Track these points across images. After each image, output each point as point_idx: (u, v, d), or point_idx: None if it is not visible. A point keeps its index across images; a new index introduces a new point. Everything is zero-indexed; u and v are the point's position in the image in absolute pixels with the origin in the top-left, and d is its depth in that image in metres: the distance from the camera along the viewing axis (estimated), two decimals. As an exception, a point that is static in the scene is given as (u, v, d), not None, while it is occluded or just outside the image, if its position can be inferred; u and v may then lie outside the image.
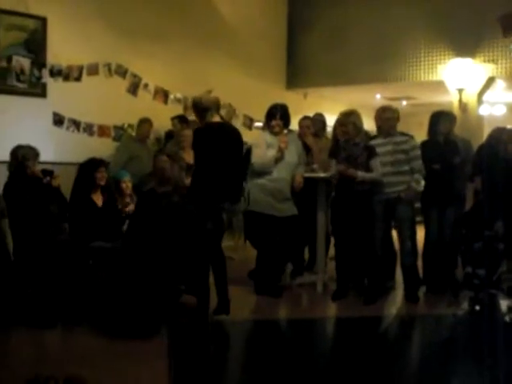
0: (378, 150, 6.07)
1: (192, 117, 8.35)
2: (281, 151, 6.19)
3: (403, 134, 6.49)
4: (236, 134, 5.53)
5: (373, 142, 6.23)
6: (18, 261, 5.29)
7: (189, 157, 6.69)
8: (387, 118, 6.27)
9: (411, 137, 6.50)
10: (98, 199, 5.76)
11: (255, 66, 10.21)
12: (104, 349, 4.65)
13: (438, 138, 6.42)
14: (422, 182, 6.30)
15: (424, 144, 6.49)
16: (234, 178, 5.39)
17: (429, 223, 6.50)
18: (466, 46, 9.57)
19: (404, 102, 12.86)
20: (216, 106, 5.36)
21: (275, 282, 6.32)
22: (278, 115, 6.30)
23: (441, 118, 6.50)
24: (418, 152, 6.19)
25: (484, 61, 9.55)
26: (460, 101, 9.79)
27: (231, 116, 9.46)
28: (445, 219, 6.38)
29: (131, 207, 6.03)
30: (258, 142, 6.45)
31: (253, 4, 10.37)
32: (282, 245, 6.27)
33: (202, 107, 5.32)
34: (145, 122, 7.68)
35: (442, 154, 6.32)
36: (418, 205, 6.50)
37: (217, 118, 5.38)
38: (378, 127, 6.51)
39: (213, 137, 5.30)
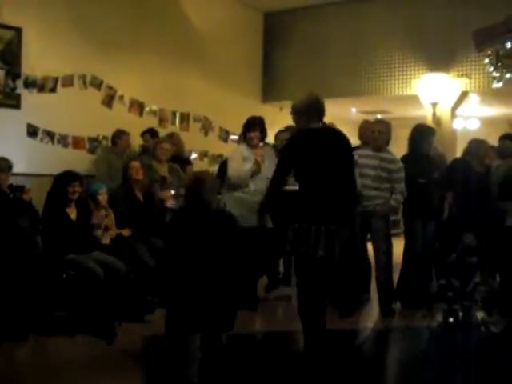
0: (363, 161, 6.01)
1: (163, 130, 8.39)
2: (257, 164, 6.19)
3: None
4: (345, 141, 4.69)
5: (359, 152, 6.09)
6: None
7: (164, 170, 6.71)
8: (379, 130, 6.13)
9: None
10: (72, 212, 5.69)
11: (231, 79, 10.24)
12: (76, 360, 4.62)
13: (423, 152, 6.44)
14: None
15: (405, 158, 6.41)
16: (343, 193, 4.55)
17: (414, 237, 6.42)
18: (439, 61, 9.68)
19: (379, 116, 12.95)
20: (322, 109, 4.60)
21: (251, 295, 6.30)
22: (256, 127, 6.31)
23: (426, 134, 6.51)
24: (403, 174, 6.08)
25: (458, 75, 9.67)
26: (434, 115, 9.88)
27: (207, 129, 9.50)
28: (426, 232, 6.40)
29: (106, 220, 5.97)
30: (234, 155, 6.45)
31: (229, 17, 10.40)
32: (258, 258, 6.25)
33: (303, 110, 4.56)
34: (125, 134, 7.61)
35: (426, 169, 6.35)
36: (393, 218, 6.51)
37: (318, 125, 4.61)
38: (363, 140, 6.46)
39: (317, 144, 4.49)
